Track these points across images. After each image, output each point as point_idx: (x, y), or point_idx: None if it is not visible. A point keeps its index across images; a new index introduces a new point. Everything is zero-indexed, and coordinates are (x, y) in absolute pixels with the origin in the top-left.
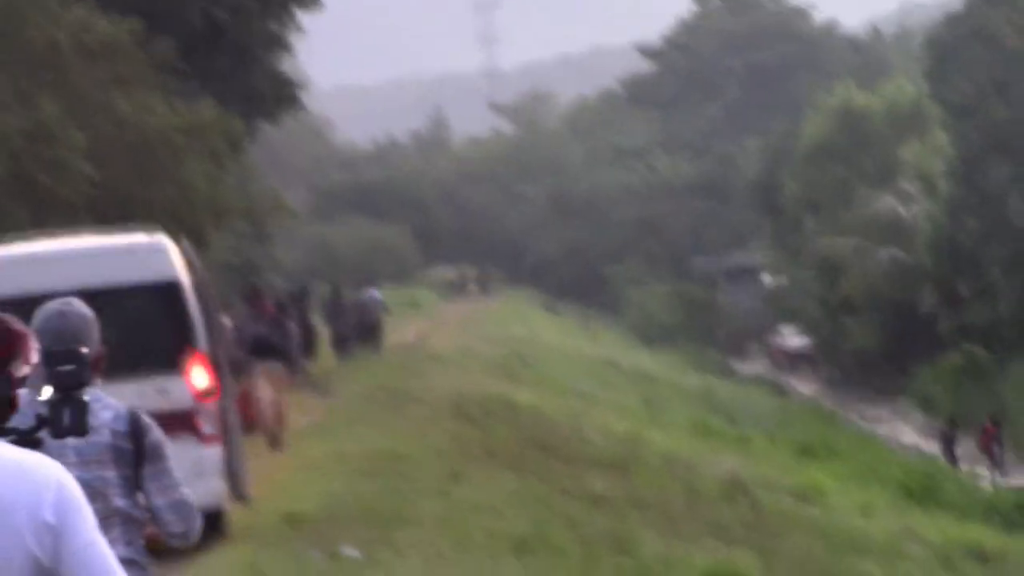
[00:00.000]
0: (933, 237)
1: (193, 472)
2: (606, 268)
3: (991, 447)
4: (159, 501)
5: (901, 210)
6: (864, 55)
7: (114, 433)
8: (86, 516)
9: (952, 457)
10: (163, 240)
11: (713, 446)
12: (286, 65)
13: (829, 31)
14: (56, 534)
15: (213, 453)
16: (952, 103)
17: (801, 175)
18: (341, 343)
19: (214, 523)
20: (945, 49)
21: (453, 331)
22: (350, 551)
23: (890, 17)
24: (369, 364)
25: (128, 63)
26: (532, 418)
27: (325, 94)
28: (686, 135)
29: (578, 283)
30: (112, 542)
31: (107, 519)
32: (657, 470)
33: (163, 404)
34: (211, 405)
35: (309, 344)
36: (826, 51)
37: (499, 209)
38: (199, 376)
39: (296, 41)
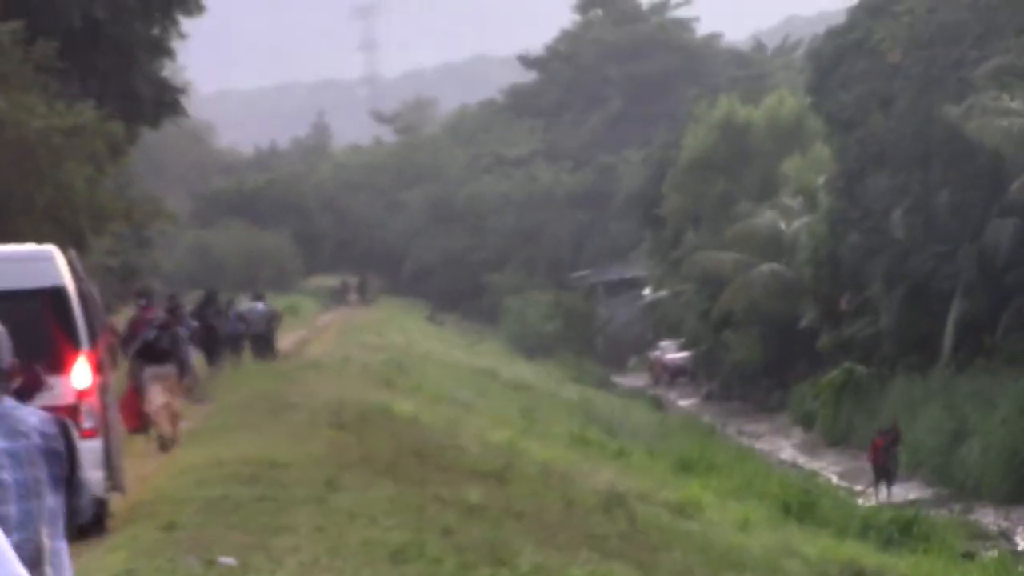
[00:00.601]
0: (814, 251)
1: None
2: (485, 277)
3: (883, 461)
4: (85, 496)
5: (782, 224)
6: (747, 68)
7: (44, 436)
8: None
9: (886, 471)
10: (50, 249)
11: (591, 458)
12: (167, 70)
13: (711, 43)
14: None
15: (93, 446)
16: (834, 116)
17: (682, 187)
18: (213, 350)
19: (95, 511)
20: (827, 62)
21: (332, 339)
22: (226, 559)
23: (773, 30)
24: (248, 371)
25: (8, 62)
26: (409, 427)
27: (206, 98)
28: (567, 145)
29: (457, 291)
30: (52, 536)
31: (42, 516)
32: (534, 481)
33: (48, 400)
34: (92, 402)
35: (214, 347)
36: (708, 63)
37: (380, 217)
38: (81, 375)
39: (178, 46)
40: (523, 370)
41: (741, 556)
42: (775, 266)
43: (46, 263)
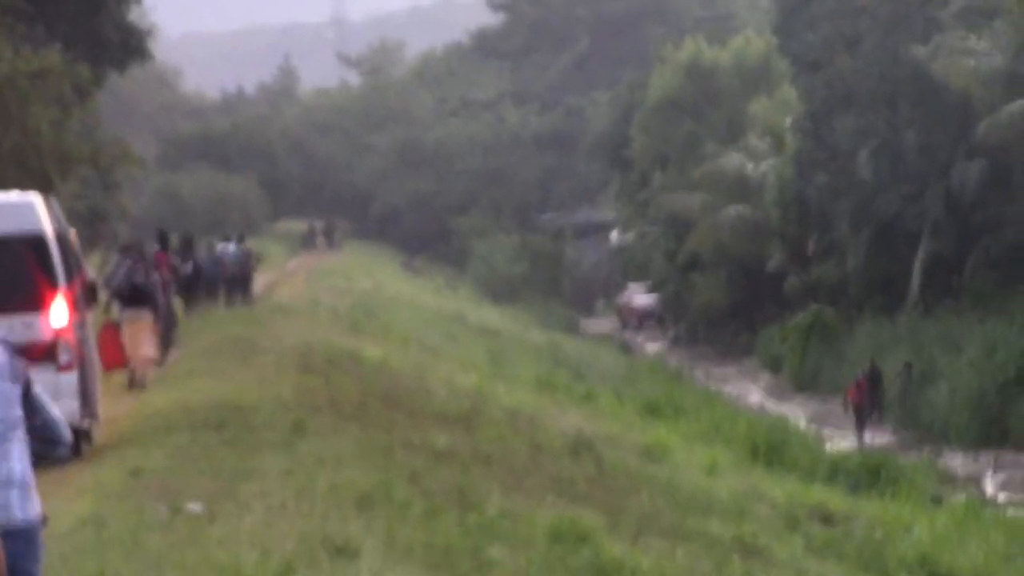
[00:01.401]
0: (781, 193)
1: (52, 394)
2: (453, 220)
3: (862, 403)
4: (45, 414)
5: (749, 166)
6: (713, 8)
7: (5, 348)
8: None
9: (867, 412)
10: (32, 197)
11: (558, 402)
12: (134, 13)
13: None
14: None
15: (70, 379)
16: (800, 57)
17: (649, 129)
18: (193, 294)
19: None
20: (793, 2)
21: (300, 283)
22: (193, 506)
23: None
24: (216, 316)
25: None
26: (377, 371)
27: (172, 42)
28: (535, 87)
29: (425, 235)
30: (22, 454)
31: (15, 429)
32: (502, 425)
33: (29, 336)
34: (68, 338)
35: (194, 291)
36: (675, 3)
37: (347, 160)
38: (58, 313)
39: None
40: (490, 314)
41: (708, 500)
42: (742, 208)
43: (27, 209)
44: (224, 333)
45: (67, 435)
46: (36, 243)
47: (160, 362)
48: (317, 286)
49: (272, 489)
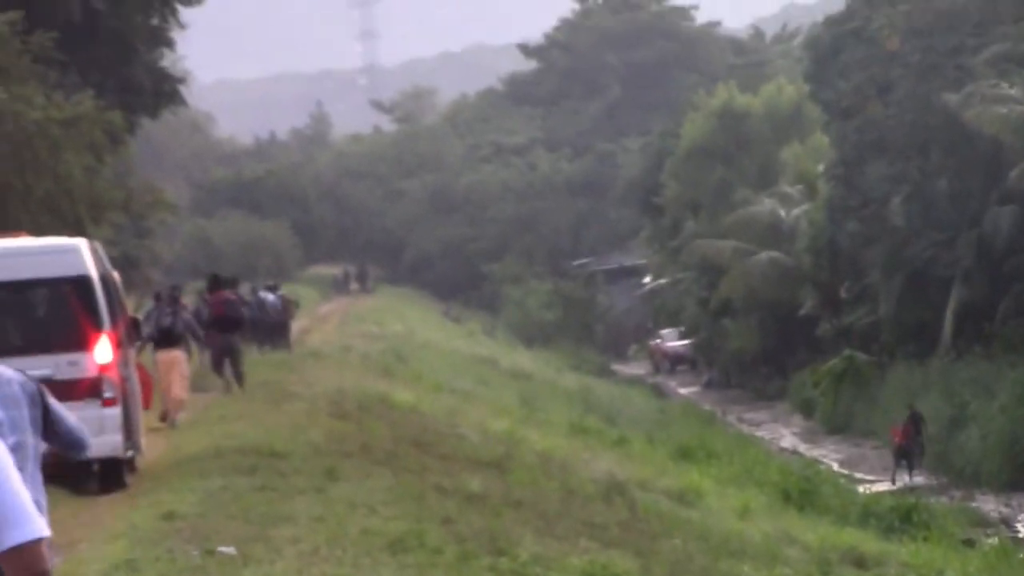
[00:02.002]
0: (813, 239)
1: (97, 428)
2: (485, 266)
3: (905, 445)
4: (64, 425)
5: (781, 212)
6: (745, 56)
7: (22, 384)
8: None
9: (908, 454)
10: (78, 242)
11: (591, 446)
12: (166, 60)
13: (710, 31)
14: None
15: (113, 413)
16: (832, 104)
17: (681, 175)
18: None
19: (113, 472)
20: (825, 50)
21: (333, 328)
22: (226, 549)
23: (772, 18)
24: (248, 361)
25: (6, 54)
26: (409, 416)
27: (205, 88)
28: (566, 133)
29: (457, 281)
30: (34, 469)
31: (27, 450)
32: (534, 469)
33: (75, 374)
34: (112, 375)
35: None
36: (707, 51)
37: (379, 206)
38: (102, 352)
39: (177, 36)
40: (523, 359)
41: (741, 543)
42: (774, 254)
43: (73, 254)
44: (256, 378)
45: (87, 438)
46: (81, 285)
47: (229, 390)
48: (349, 331)
49: (304, 534)
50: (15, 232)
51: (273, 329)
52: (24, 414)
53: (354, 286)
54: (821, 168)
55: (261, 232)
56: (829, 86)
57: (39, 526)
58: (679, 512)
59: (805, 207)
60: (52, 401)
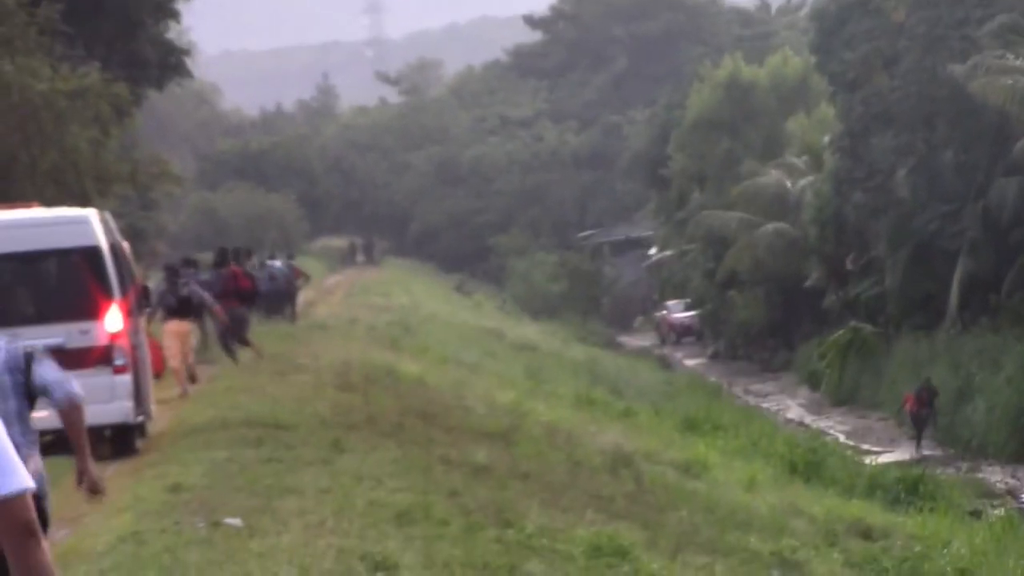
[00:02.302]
0: (819, 211)
1: (108, 395)
2: (491, 238)
3: (919, 412)
4: (51, 375)
5: (787, 183)
6: (751, 27)
7: (6, 351)
8: None
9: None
10: (89, 213)
11: (597, 418)
12: (172, 32)
13: (716, 2)
14: None
15: (124, 380)
16: (838, 76)
17: (687, 147)
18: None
19: (125, 437)
20: (831, 21)
21: (339, 300)
22: (232, 520)
23: None
24: (254, 333)
25: (12, 26)
26: (415, 388)
27: (211, 59)
28: (572, 105)
29: (463, 252)
30: (23, 431)
31: (9, 414)
32: (540, 441)
33: (86, 342)
34: (122, 343)
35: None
36: (713, 22)
37: (385, 178)
38: (113, 321)
39: (182, 8)
40: (529, 331)
41: (747, 515)
42: (780, 225)
43: (84, 225)
44: (262, 351)
45: (73, 393)
46: (92, 256)
47: (240, 358)
48: (355, 303)
49: (310, 506)
50: (26, 203)
51: (279, 298)
52: (5, 381)
53: (360, 258)
54: (827, 140)
55: (267, 204)
56: (835, 57)
57: (23, 478)
58: (685, 484)
59: (811, 179)
60: (36, 367)
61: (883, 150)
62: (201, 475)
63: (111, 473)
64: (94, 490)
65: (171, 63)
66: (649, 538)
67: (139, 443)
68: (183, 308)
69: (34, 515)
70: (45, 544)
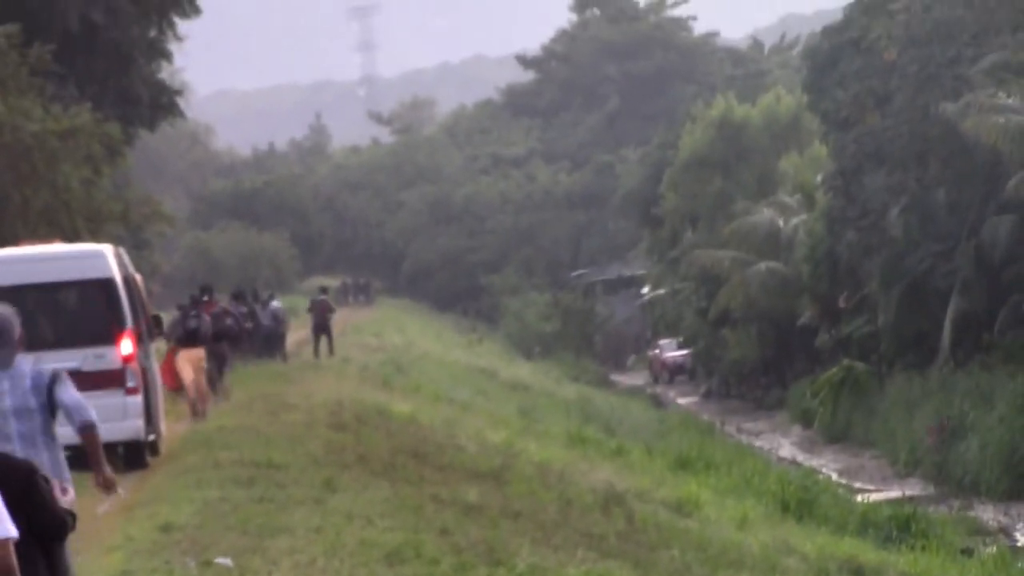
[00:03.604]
0: (811, 250)
1: (120, 414)
2: (484, 277)
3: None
4: (72, 399)
5: (780, 222)
6: (744, 66)
7: (32, 378)
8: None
9: None
10: (104, 248)
11: (589, 457)
12: (164, 72)
13: (708, 41)
14: None
15: (135, 401)
16: (830, 115)
17: (680, 186)
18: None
19: (135, 453)
20: (823, 60)
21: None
22: (222, 560)
23: (770, 28)
24: (247, 372)
25: (4, 66)
26: (407, 427)
27: (203, 99)
28: (565, 145)
29: (456, 291)
30: (46, 441)
31: (35, 429)
32: (532, 480)
33: (100, 366)
34: (134, 366)
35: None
36: (705, 61)
37: (378, 217)
38: (125, 346)
39: (175, 48)
40: (522, 369)
41: (739, 553)
42: (773, 264)
43: (100, 259)
44: (254, 389)
45: (89, 417)
46: (106, 287)
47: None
48: (348, 342)
49: (302, 545)
50: (48, 239)
51: (279, 339)
52: (31, 401)
53: (361, 298)
54: (819, 178)
55: (260, 243)
56: (827, 96)
57: (7, 527)
58: (677, 522)
59: (803, 217)
60: (58, 389)
61: (875, 189)
62: (192, 514)
63: (100, 512)
64: (108, 487)
65: (163, 103)
66: None
67: (149, 460)
68: (190, 338)
69: (13, 562)
70: None
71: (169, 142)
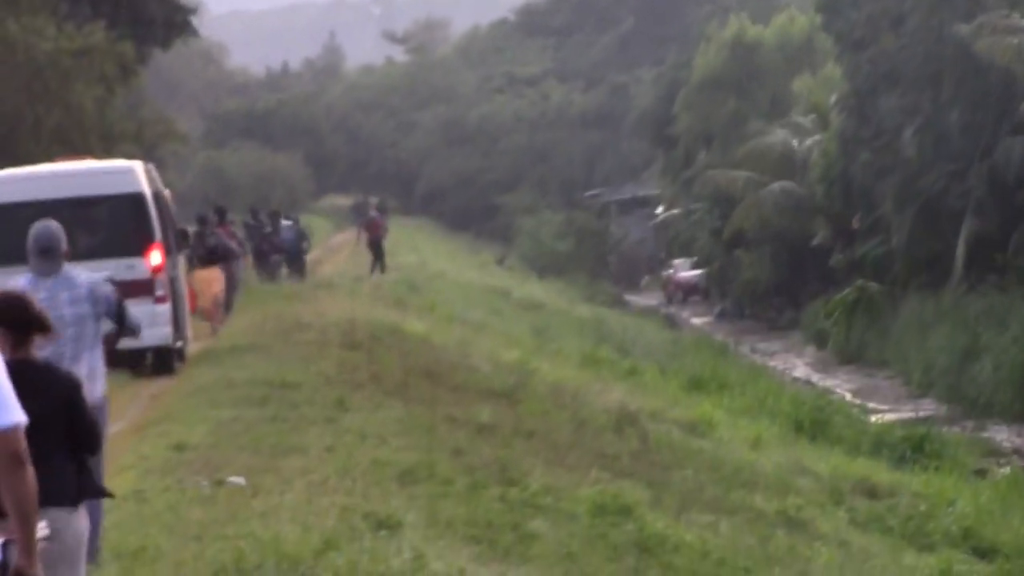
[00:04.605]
0: (825, 171)
1: (150, 321)
2: (498, 197)
3: None
4: (131, 322)
5: (794, 143)
6: None
7: (89, 288)
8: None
9: None
10: (134, 164)
11: (603, 377)
12: None
13: None
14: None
15: (163, 309)
16: (844, 35)
17: (694, 107)
18: (265, 264)
19: (164, 357)
20: None
21: (344, 259)
22: (235, 479)
23: None
24: (258, 292)
25: None
26: (420, 346)
27: (217, 18)
28: (579, 65)
29: (470, 211)
30: (93, 351)
31: (86, 337)
32: (545, 400)
33: (131, 276)
34: (162, 276)
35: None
36: None
37: (392, 137)
38: (154, 257)
39: None
40: (536, 289)
41: (753, 473)
42: (787, 184)
43: (130, 174)
44: (267, 309)
45: (139, 324)
46: (136, 201)
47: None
48: (361, 262)
49: (314, 465)
50: (81, 155)
51: (290, 258)
52: (86, 309)
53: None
54: (833, 99)
55: (274, 163)
56: (841, 17)
57: (16, 413)
58: (691, 443)
59: (817, 138)
60: (117, 296)
61: (889, 109)
62: (205, 434)
63: (113, 433)
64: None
65: (177, 22)
66: (654, 497)
67: (178, 365)
68: (210, 257)
69: (23, 446)
70: (31, 471)
71: (183, 61)
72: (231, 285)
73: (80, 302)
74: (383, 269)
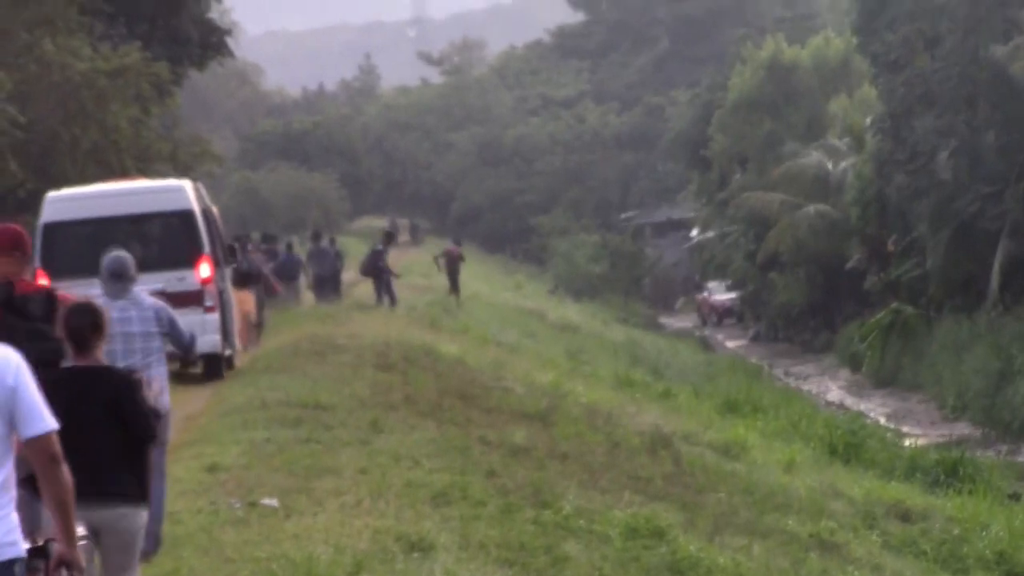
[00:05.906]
0: (860, 192)
1: (200, 329)
2: (533, 218)
3: None
4: (185, 337)
5: (829, 165)
6: (793, 8)
7: (154, 308)
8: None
9: None
10: (184, 183)
11: (637, 399)
12: (214, 11)
13: None
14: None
15: (213, 318)
16: (880, 57)
17: (729, 128)
18: (321, 286)
19: (214, 363)
20: (873, 2)
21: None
22: (268, 501)
23: None
24: (295, 313)
25: (54, 5)
26: (454, 368)
27: (253, 39)
28: (614, 86)
29: (505, 233)
30: (157, 365)
31: (152, 350)
32: (579, 422)
33: (182, 287)
34: (211, 288)
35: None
36: (755, 3)
37: (427, 158)
38: (204, 270)
39: None
40: (570, 311)
41: (786, 497)
42: (822, 207)
43: (180, 192)
44: (301, 330)
45: (194, 340)
46: (186, 217)
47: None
48: (396, 283)
49: (347, 486)
50: (133, 176)
51: (324, 280)
52: (152, 328)
53: (404, 238)
54: (868, 121)
55: (309, 184)
56: (877, 38)
57: (50, 421)
58: (724, 465)
59: (852, 160)
60: (175, 317)
61: (925, 131)
62: (238, 455)
63: None
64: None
65: (212, 42)
66: (687, 519)
67: (227, 372)
68: (244, 280)
69: (58, 448)
70: (66, 468)
71: (218, 82)
72: (261, 307)
73: (148, 321)
74: (458, 298)
